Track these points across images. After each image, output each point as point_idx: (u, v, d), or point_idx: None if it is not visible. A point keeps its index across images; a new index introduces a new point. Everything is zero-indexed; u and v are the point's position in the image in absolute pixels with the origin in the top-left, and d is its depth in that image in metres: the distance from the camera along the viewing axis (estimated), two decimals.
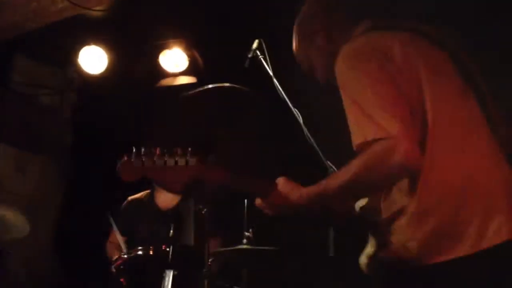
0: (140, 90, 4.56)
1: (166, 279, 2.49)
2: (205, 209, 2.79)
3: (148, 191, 3.71)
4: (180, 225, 2.74)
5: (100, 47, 4.40)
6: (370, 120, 1.46)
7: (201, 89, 2.51)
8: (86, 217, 4.33)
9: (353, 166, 1.50)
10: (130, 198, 3.72)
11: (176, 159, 1.52)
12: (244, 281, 3.24)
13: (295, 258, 3.61)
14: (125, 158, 1.54)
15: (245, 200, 3.42)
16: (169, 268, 2.56)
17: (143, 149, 1.52)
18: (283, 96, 2.79)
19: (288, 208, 1.66)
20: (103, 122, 4.66)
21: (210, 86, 2.51)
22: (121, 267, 2.76)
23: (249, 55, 2.97)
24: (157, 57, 4.49)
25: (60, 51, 4.48)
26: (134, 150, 1.53)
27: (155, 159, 1.50)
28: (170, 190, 1.61)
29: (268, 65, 2.87)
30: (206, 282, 2.58)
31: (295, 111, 2.74)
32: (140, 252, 2.78)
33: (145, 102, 4.41)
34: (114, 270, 2.80)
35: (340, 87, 1.58)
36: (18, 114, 4.57)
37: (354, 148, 1.52)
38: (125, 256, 2.77)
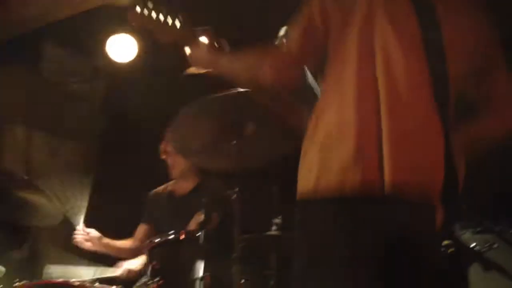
0: (168, 77, 4.60)
1: (198, 263, 2.54)
2: (234, 195, 2.83)
3: (170, 182, 3.81)
4: (208, 210, 2.78)
5: (129, 35, 4.44)
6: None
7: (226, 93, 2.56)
8: (114, 204, 4.42)
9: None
10: (153, 190, 3.84)
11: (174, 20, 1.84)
12: (273, 267, 3.27)
13: None
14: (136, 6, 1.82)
15: (274, 187, 3.45)
16: (200, 252, 2.61)
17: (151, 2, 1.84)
18: (312, 82, 2.79)
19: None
20: (131, 109, 4.73)
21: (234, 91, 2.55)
22: (154, 250, 2.82)
23: (276, 42, 2.97)
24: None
25: (89, 39, 4.54)
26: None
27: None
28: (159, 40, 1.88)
29: None
30: (235, 267, 2.63)
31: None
32: (171, 237, 2.82)
33: (173, 89, 4.45)
34: (146, 254, 2.86)
35: None
36: (49, 102, 4.66)
37: None
38: (157, 240, 2.82)
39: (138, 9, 1.81)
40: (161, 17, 1.82)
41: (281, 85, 1.66)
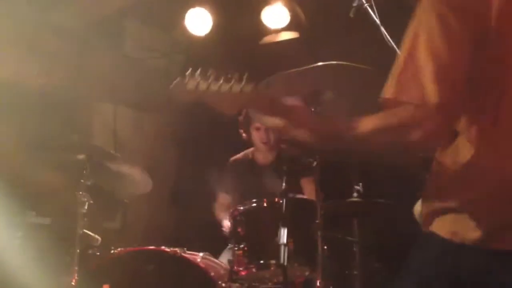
0: (244, 48, 4.63)
1: (281, 230, 2.59)
2: (315, 162, 2.84)
3: (248, 150, 3.86)
4: (290, 178, 2.82)
5: (205, 8, 4.50)
6: (415, 79, 1.31)
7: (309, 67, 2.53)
8: (196, 176, 4.55)
9: (372, 122, 1.38)
10: (232, 158, 3.88)
11: (231, 84, 1.45)
12: (355, 233, 3.28)
13: (407, 210, 3.57)
14: (179, 79, 1.46)
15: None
16: (283, 219, 2.66)
17: (199, 71, 1.45)
18: (392, 45, 2.71)
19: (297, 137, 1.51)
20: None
21: (319, 64, 2.52)
22: (238, 218, 2.90)
23: (354, 4, 2.90)
24: (259, 14, 4.52)
25: (167, 14, 4.64)
26: (189, 71, 1.46)
27: (209, 81, 1.44)
28: (221, 112, 1.52)
29: (375, 14, 2.79)
30: (318, 233, 2.65)
31: None
32: (254, 204, 2.89)
33: (249, 60, 4.48)
34: (231, 221, 2.94)
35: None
36: (132, 78, 4.84)
37: (382, 97, 1.38)
38: (241, 208, 2.90)
39: (184, 81, 1.44)
40: (214, 84, 1.45)
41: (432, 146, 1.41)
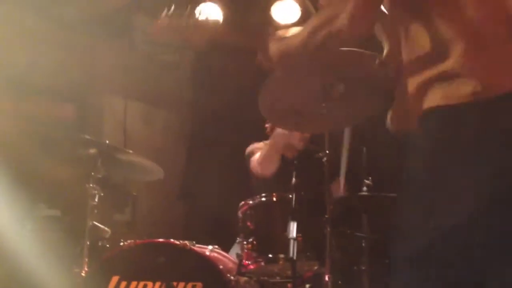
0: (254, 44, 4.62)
1: (291, 224, 2.59)
2: (325, 157, 2.83)
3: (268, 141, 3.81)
4: (302, 173, 2.82)
5: (215, 2, 4.49)
6: None
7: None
8: (205, 170, 4.56)
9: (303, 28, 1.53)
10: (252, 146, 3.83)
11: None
12: (364, 227, 3.28)
13: (415, 204, 3.56)
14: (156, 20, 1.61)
15: (364, 148, 3.43)
16: (292, 214, 2.66)
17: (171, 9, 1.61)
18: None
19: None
20: (220, 76, 4.83)
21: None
22: (247, 212, 2.90)
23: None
24: (269, 9, 4.51)
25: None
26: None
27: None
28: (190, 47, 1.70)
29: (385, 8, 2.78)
30: (328, 228, 2.65)
31: None
32: (264, 199, 2.89)
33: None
34: (240, 215, 2.95)
35: None
36: (143, 72, 4.85)
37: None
38: (251, 202, 2.90)
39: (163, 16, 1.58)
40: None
41: (358, 34, 1.47)
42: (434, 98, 1.31)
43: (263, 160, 3.57)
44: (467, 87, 1.26)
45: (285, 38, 1.65)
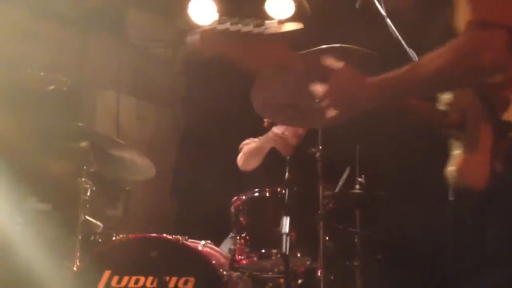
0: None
1: (284, 219, 2.59)
2: (318, 153, 2.84)
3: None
4: (295, 168, 2.82)
5: None
6: None
7: (312, 50, 2.51)
8: (197, 166, 4.55)
9: (440, 57, 1.32)
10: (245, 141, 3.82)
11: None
12: (357, 224, 3.29)
13: (409, 202, 3.59)
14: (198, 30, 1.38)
15: (357, 146, 3.43)
16: (285, 209, 2.66)
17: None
18: (397, 36, 2.71)
19: (347, 103, 1.43)
20: (213, 71, 4.81)
21: (323, 46, 2.50)
22: (240, 207, 2.90)
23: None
24: (263, 4, 4.50)
25: (171, 3, 4.63)
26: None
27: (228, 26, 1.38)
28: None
29: (380, 4, 2.78)
30: (320, 224, 2.66)
31: (410, 51, 2.65)
32: (256, 194, 2.89)
33: None
34: (233, 210, 2.95)
35: None
36: (135, 66, 4.84)
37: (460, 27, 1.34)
38: (243, 197, 2.90)
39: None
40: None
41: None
42: None
43: (248, 154, 3.58)
44: None
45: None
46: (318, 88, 1.50)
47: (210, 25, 1.39)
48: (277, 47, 1.43)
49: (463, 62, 1.30)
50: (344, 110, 1.46)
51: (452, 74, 1.32)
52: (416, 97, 1.55)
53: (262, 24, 1.40)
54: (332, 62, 1.49)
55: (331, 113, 1.47)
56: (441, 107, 1.59)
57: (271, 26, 1.40)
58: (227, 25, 1.39)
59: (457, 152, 1.53)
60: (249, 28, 1.38)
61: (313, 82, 1.51)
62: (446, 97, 1.58)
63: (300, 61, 1.50)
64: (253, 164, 3.56)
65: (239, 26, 1.38)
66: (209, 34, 1.38)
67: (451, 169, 1.52)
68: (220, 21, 1.39)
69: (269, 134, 3.48)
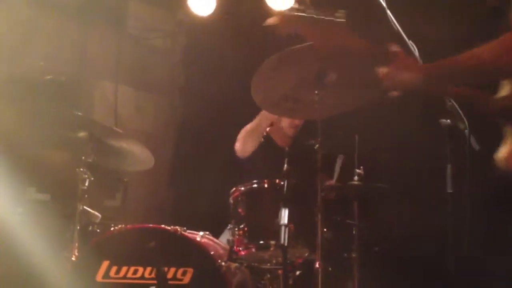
0: (247, 29, 4.60)
1: (282, 211, 2.59)
2: (317, 145, 2.84)
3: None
4: (294, 160, 2.81)
5: None
6: None
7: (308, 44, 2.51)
8: (195, 156, 4.55)
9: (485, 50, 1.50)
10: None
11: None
12: (355, 216, 3.30)
13: (408, 195, 3.59)
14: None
15: (356, 137, 3.43)
16: (284, 200, 2.66)
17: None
18: (397, 29, 2.70)
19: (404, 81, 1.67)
20: (212, 62, 4.80)
21: None
22: (239, 198, 2.90)
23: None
24: None
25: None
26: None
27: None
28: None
29: None
30: (319, 215, 2.66)
31: (411, 43, 2.64)
32: (255, 185, 2.89)
33: (252, 41, 4.46)
34: (231, 201, 2.95)
35: None
36: (134, 57, 4.82)
37: None
38: (242, 188, 2.90)
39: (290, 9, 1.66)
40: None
41: None
42: None
43: (245, 135, 3.58)
44: None
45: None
46: (380, 70, 1.73)
47: (289, 9, 1.72)
48: (345, 32, 1.69)
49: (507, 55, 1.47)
50: (402, 89, 1.72)
51: (496, 65, 1.50)
52: (464, 82, 1.75)
53: (333, 13, 1.68)
54: (393, 47, 1.75)
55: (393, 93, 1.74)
56: (499, 96, 1.72)
57: (340, 15, 1.69)
58: (304, 10, 1.69)
59: (510, 139, 1.68)
60: (322, 15, 1.68)
61: (374, 64, 1.75)
62: (505, 88, 1.70)
63: (364, 45, 1.76)
64: (251, 145, 3.55)
65: (313, 12, 1.68)
66: (288, 16, 1.69)
67: (500, 155, 1.68)
68: (297, 7, 1.70)
69: (263, 111, 3.47)
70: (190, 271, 2.68)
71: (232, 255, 2.84)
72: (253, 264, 2.99)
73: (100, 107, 4.73)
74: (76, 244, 2.81)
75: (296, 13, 1.68)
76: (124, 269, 2.70)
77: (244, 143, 3.59)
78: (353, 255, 3.20)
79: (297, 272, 3.00)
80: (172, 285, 2.66)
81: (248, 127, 3.63)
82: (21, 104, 3.86)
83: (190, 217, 4.30)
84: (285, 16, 1.70)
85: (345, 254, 3.24)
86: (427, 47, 2.55)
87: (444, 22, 3.66)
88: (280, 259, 2.85)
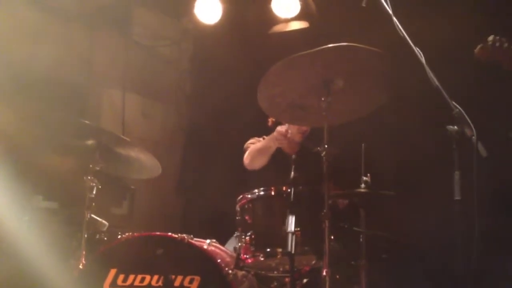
0: (253, 37, 4.62)
1: (289, 218, 2.58)
2: (324, 152, 2.83)
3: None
4: (301, 167, 2.81)
5: None
6: None
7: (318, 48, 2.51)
8: (202, 165, 4.55)
9: None
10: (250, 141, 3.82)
11: None
12: (362, 222, 3.28)
13: (416, 202, 3.58)
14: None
15: (362, 145, 3.42)
16: (291, 207, 2.65)
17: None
18: (404, 35, 2.70)
19: None
20: (218, 70, 4.81)
21: (330, 45, 2.50)
22: (245, 206, 2.90)
23: None
24: (269, 3, 4.50)
25: (178, 2, 4.63)
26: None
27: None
28: None
29: (387, 3, 2.77)
30: (326, 223, 2.65)
31: (417, 50, 2.64)
32: (262, 193, 2.88)
33: (258, 49, 4.47)
34: (238, 209, 2.94)
35: None
36: (141, 64, 4.84)
37: None
38: (249, 195, 2.90)
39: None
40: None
41: None
42: None
43: (254, 153, 3.58)
44: None
45: None
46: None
47: (492, 40, 2.15)
48: None
49: None
50: None
51: None
52: None
53: None
54: None
55: None
56: None
57: None
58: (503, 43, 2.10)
59: None
60: None
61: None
62: None
63: None
64: (260, 163, 3.57)
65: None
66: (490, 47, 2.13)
67: None
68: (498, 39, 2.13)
69: (274, 133, 3.48)
70: (197, 279, 2.68)
71: (239, 262, 2.83)
72: (260, 271, 2.98)
73: (107, 115, 4.75)
74: (84, 252, 2.82)
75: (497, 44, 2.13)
76: (132, 277, 2.70)
77: (252, 160, 3.60)
78: (361, 263, 3.17)
79: (304, 280, 2.99)
80: None
81: (258, 146, 3.63)
82: (29, 112, 3.88)
83: (197, 224, 4.31)
84: (486, 46, 2.13)
85: (353, 262, 3.22)
86: (432, 53, 2.56)
87: (450, 27, 3.65)
88: (287, 267, 2.84)
